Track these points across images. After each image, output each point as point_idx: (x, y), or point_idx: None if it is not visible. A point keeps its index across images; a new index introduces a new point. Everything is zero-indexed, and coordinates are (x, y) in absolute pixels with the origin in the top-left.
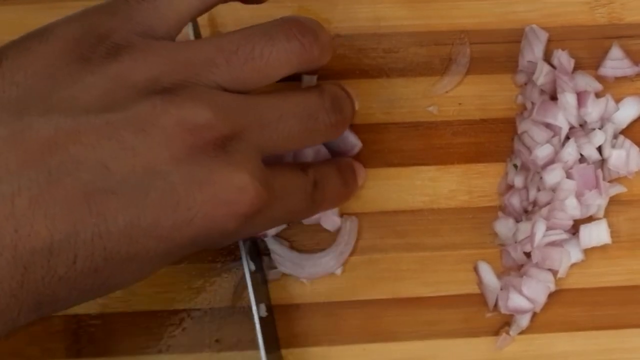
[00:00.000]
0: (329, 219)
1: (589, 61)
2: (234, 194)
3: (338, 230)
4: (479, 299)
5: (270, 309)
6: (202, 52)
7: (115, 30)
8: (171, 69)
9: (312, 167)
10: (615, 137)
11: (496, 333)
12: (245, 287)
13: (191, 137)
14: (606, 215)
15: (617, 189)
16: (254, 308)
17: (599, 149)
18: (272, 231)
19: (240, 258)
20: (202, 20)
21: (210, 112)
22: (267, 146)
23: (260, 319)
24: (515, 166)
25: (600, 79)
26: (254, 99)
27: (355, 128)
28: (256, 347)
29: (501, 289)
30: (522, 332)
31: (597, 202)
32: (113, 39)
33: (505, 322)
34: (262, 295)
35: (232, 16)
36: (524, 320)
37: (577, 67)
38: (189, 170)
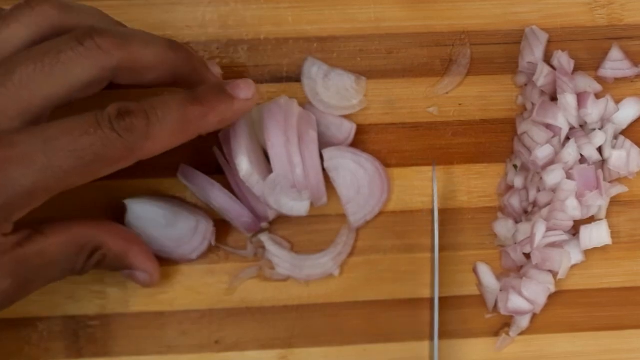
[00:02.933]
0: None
1: (588, 62)
2: None
3: (336, 231)
4: (479, 300)
5: None
6: None
7: None
8: None
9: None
10: (615, 137)
11: (496, 334)
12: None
13: None
14: (607, 216)
15: (618, 189)
16: None
17: (599, 150)
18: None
19: None
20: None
21: None
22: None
23: None
24: (515, 167)
25: (600, 80)
26: None
27: (355, 128)
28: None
29: (501, 290)
30: (521, 333)
31: (598, 202)
32: None
33: (504, 323)
34: None
35: (235, 17)
36: (524, 321)
37: (577, 68)
38: None
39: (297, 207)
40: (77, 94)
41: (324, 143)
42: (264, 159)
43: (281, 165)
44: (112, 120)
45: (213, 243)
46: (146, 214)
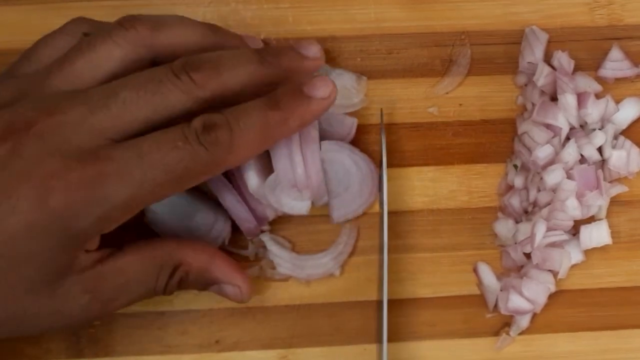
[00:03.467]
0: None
1: (589, 62)
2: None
3: (337, 231)
4: (479, 299)
5: None
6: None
7: None
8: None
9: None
10: (615, 137)
11: (496, 334)
12: None
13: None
14: (607, 216)
15: (618, 189)
16: None
17: (600, 150)
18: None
19: None
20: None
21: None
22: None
23: None
24: (516, 167)
25: (600, 80)
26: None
27: (356, 123)
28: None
29: (501, 290)
30: (522, 333)
31: (598, 202)
32: None
33: (505, 323)
34: None
35: (235, 17)
36: (524, 321)
37: (577, 68)
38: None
39: (298, 206)
40: (173, 120)
41: (325, 139)
42: (267, 159)
43: (282, 165)
44: (198, 134)
45: (226, 243)
46: (167, 201)
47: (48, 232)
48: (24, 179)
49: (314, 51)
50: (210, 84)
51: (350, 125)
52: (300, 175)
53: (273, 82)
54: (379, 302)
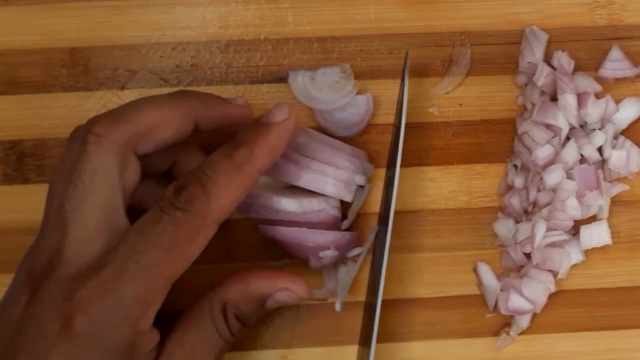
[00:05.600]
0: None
1: (589, 62)
2: None
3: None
4: (479, 300)
5: None
6: None
7: None
8: None
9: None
10: (615, 137)
11: (496, 334)
12: None
13: None
14: (607, 215)
15: (620, 187)
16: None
17: (600, 150)
18: None
19: None
20: (211, 20)
21: None
22: None
23: None
24: (516, 167)
25: (600, 80)
26: None
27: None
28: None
29: (501, 290)
30: (522, 333)
31: (598, 202)
32: None
33: (505, 323)
34: None
35: (235, 17)
36: (524, 321)
37: (577, 68)
38: None
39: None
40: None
41: (343, 125)
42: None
43: (313, 180)
44: (172, 200)
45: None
46: None
47: (95, 349)
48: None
49: (239, 101)
50: (116, 130)
51: (365, 102)
52: (335, 175)
53: (207, 120)
54: (367, 304)
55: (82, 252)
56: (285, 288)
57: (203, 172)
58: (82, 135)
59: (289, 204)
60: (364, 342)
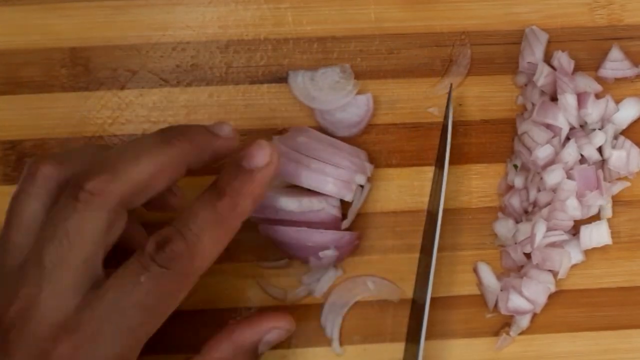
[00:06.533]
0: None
1: (589, 62)
2: None
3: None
4: (479, 299)
5: None
6: None
7: None
8: None
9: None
10: (615, 137)
11: (496, 334)
12: None
13: None
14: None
15: (621, 185)
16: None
17: (600, 150)
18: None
19: None
20: (210, 20)
21: None
22: None
23: None
24: (516, 167)
25: (600, 80)
26: None
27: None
28: None
29: (501, 290)
30: (522, 333)
31: (598, 202)
32: None
33: (505, 323)
34: None
35: (235, 17)
36: (524, 321)
37: (577, 68)
38: None
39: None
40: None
41: (344, 126)
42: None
43: (314, 180)
44: (154, 257)
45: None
46: None
47: None
48: None
49: (225, 131)
50: (111, 189)
51: (365, 102)
52: (335, 174)
53: (197, 162)
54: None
55: (57, 306)
56: (272, 328)
57: (187, 228)
58: (73, 190)
59: (289, 203)
60: (412, 339)
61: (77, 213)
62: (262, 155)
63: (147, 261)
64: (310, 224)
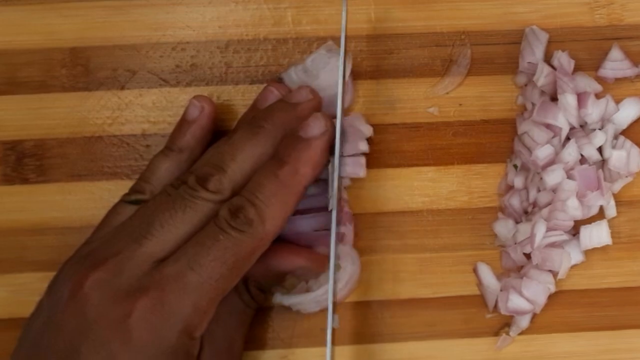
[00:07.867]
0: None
1: (589, 62)
2: None
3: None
4: (479, 300)
5: None
6: None
7: None
8: None
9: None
10: (615, 137)
11: (496, 334)
12: None
13: None
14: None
15: (623, 182)
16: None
17: (600, 150)
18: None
19: None
20: (210, 20)
21: None
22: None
23: None
24: (516, 167)
25: (600, 80)
26: None
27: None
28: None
29: (501, 290)
30: (522, 333)
31: (599, 202)
32: None
33: (505, 323)
34: None
35: (235, 17)
36: (524, 321)
37: (577, 68)
38: None
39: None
40: None
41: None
42: None
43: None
44: (230, 222)
45: None
46: None
47: (153, 356)
48: (96, 329)
49: (304, 95)
50: (225, 185)
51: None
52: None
53: (286, 132)
54: None
55: (139, 261)
56: (303, 266)
57: (254, 196)
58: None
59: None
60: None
61: (198, 202)
62: (318, 126)
63: (224, 224)
64: (304, 212)
